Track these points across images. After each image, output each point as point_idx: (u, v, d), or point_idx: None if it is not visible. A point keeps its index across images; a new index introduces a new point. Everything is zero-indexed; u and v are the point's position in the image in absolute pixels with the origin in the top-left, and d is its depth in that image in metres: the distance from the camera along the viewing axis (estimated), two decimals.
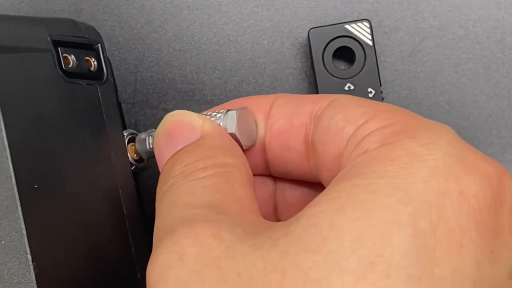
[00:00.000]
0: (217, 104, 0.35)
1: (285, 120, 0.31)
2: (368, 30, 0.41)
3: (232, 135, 0.30)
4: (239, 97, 0.39)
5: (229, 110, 0.31)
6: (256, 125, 0.32)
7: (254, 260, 0.22)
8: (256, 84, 0.43)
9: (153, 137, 0.33)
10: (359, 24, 0.41)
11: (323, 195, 0.24)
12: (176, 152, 0.29)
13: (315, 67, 0.42)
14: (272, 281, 0.22)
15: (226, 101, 0.33)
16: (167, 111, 0.43)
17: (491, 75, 0.43)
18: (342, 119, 0.28)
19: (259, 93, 0.43)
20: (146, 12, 0.43)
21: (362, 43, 0.41)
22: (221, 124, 0.31)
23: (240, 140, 0.31)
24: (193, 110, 0.31)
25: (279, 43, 0.44)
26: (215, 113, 0.31)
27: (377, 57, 0.42)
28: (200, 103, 0.43)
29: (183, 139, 0.29)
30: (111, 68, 0.35)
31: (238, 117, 0.31)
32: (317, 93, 0.42)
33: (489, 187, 0.24)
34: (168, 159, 0.29)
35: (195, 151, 0.28)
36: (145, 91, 0.44)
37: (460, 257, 0.22)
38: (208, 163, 0.27)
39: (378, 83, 0.41)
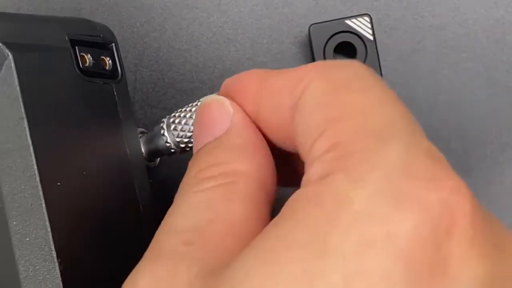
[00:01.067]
0: None
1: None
2: (369, 25, 0.41)
3: None
4: None
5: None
6: None
7: None
8: None
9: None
10: (360, 19, 0.41)
11: (254, 241, 0.23)
12: (199, 150, 0.28)
13: None
14: None
15: None
16: (166, 110, 0.43)
17: (491, 74, 0.44)
18: (302, 133, 0.25)
19: None
20: (146, 11, 0.44)
21: (363, 38, 0.41)
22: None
23: None
24: None
25: (279, 42, 0.44)
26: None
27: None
28: None
29: (212, 131, 0.28)
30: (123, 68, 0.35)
31: None
32: None
33: (426, 220, 0.21)
34: (194, 154, 0.28)
35: (212, 152, 0.27)
36: (144, 90, 0.44)
37: None
38: (217, 172, 0.26)
39: None
